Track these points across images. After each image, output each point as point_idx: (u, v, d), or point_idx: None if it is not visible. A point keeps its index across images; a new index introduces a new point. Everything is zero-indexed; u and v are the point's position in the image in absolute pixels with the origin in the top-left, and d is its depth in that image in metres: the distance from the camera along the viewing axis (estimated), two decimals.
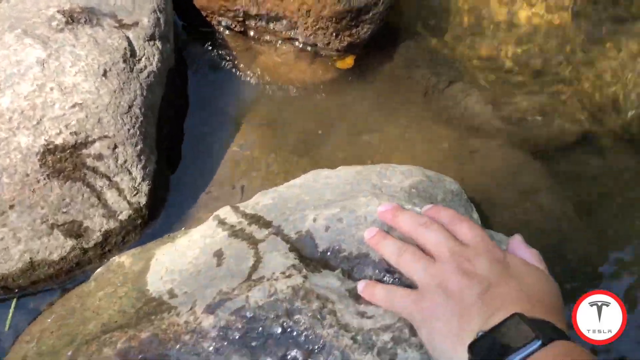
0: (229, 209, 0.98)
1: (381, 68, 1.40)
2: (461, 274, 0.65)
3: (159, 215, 1.13)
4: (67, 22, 1.00)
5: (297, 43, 1.31)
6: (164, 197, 1.15)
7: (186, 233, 1.00)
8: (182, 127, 1.30)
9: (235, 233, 0.91)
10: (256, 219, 0.92)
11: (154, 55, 1.09)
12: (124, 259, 0.98)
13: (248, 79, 1.37)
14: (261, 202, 0.96)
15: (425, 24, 1.49)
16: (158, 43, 1.10)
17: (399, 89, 1.38)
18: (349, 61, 1.35)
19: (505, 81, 1.43)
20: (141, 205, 1.06)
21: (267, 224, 0.90)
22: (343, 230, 0.83)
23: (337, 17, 1.19)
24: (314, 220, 0.86)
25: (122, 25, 1.05)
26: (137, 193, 1.05)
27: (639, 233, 1.26)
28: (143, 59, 1.06)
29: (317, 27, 1.22)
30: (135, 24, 1.07)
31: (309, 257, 0.82)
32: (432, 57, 1.39)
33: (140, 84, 1.04)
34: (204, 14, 1.29)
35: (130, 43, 1.05)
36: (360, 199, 0.87)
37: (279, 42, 1.32)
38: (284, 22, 1.24)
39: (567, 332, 0.59)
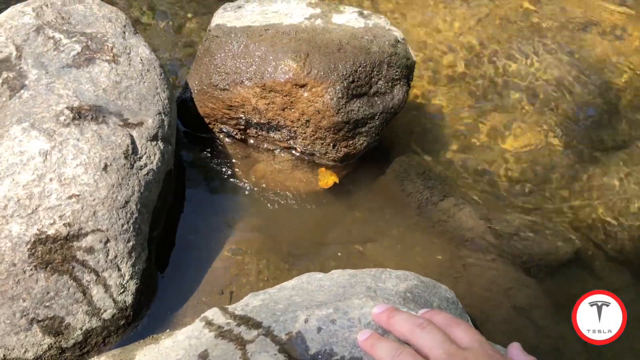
0: (217, 310, 0.95)
1: (375, 180, 1.43)
2: None
3: (143, 317, 1.09)
4: (74, 118, 1.03)
5: (295, 152, 1.35)
6: (150, 298, 1.11)
7: (171, 334, 0.96)
8: (175, 228, 1.29)
9: (223, 334, 0.88)
10: (245, 320, 0.89)
11: (155, 154, 1.11)
12: None
13: (245, 185, 1.39)
14: (251, 303, 0.94)
15: (419, 140, 1.55)
16: (160, 144, 1.13)
17: (392, 201, 1.40)
18: (330, 182, 1.38)
19: (497, 198, 1.46)
20: (127, 304, 1.03)
21: (256, 325, 0.87)
22: (336, 332, 0.80)
23: (335, 128, 1.23)
24: (306, 321, 0.83)
25: (127, 124, 1.09)
26: (123, 291, 1.02)
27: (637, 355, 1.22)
28: (144, 157, 1.08)
29: (315, 137, 1.26)
30: (140, 123, 1.10)
31: (300, 359, 0.79)
32: (424, 172, 1.43)
33: (139, 181, 1.05)
34: (206, 121, 1.33)
35: (133, 141, 1.07)
36: (354, 300, 0.85)
37: (278, 150, 1.36)
38: (284, 131, 1.29)
39: None
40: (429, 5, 2.01)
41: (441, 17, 1.95)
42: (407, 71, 1.32)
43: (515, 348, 0.73)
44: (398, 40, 1.31)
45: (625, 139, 1.66)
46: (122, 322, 1.03)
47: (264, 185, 1.39)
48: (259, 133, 1.33)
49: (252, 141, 1.36)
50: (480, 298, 1.22)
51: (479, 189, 1.47)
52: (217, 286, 1.23)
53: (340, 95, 1.20)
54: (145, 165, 1.08)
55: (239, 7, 1.34)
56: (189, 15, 1.75)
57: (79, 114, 1.04)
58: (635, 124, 1.72)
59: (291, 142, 1.31)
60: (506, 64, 1.85)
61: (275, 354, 0.78)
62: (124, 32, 1.20)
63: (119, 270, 1.01)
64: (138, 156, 1.08)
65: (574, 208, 1.48)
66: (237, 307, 0.94)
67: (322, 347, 0.79)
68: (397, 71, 1.29)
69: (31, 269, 0.93)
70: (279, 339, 0.82)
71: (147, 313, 1.10)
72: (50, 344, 0.96)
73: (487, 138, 1.63)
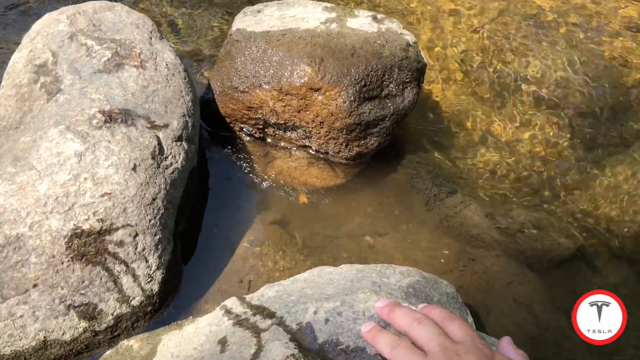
0: (236, 299, 1.04)
1: (386, 177, 1.50)
2: None
3: (169, 304, 1.18)
4: (105, 121, 1.12)
5: (310, 150, 1.42)
6: (175, 287, 1.21)
7: (193, 321, 1.05)
8: (199, 221, 1.38)
9: (240, 322, 0.96)
10: (260, 310, 0.98)
11: (180, 154, 1.19)
12: (132, 343, 1.03)
13: (263, 181, 1.48)
14: (266, 294, 1.02)
15: (429, 139, 1.61)
16: (184, 144, 1.22)
17: (402, 197, 1.47)
18: (302, 200, 1.45)
19: (503, 195, 1.52)
20: (153, 292, 1.12)
21: (270, 315, 0.95)
22: (342, 324, 0.88)
23: (348, 129, 1.30)
24: (315, 312, 0.91)
25: (153, 126, 1.17)
26: (150, 280, 1.12)
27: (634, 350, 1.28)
28: (170, 157, 1.17)
29: (329, 137, 1.33)
30: (166, 125, 1.19)
31: (308, 348, 0.87)
32: (434, 170, 1.49)
33: (165, 179, 1.14)
34: (227, 120, 1.41)
35: (159, 142, 1.16)
36: (360, 294, 0.93)
37: (294, 148, 1.44)
38: (300, 131, 1.36)
39: None
40: (442, 4, 2.06)
41: (453, 16, 1.99)
42: (418, 74, 1.39)
43: (505, 342, 0.79)
44: (409, 44, 1.37)
45: (631, 139, 1.71)
46: (149, 309, 1.13)
47: (281, 181, 1.48)
48: (276, 132, 1.40)
49: (270, 140, 1.44)
50: (483, 291, 1.29)
51: (486, 186, 1.53)
52: (236, 275, 1.32)
53: (352, 98, 1.27)
54: (171, 164, 1.17)
55: (259, 11, 1.41)
56: (214, 16, 1.82)
57: (110, 117, 1.13)
58: None
59: (306, 141, 1.39)
60: (516, 63, 1.90)
61: (286, 343, 0.87)
62: (151, 38, 1.29)
63: (147, 261, 1.10)
64: (164, 156, 1.16)
65: (578, 205, 1.53)
66: (254, 297, 1.03)
67: (329, 337, 0.87)
68: (407, 74, 1.35)
69: (68, 260, 1.02)
70: (290, 328, 0.90)
71: (172, 300, 1.19)
72: (85, 327, 1.06)
73: (495, 136, 1.69)
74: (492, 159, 1.61)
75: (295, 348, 0.86)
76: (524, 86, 1.83)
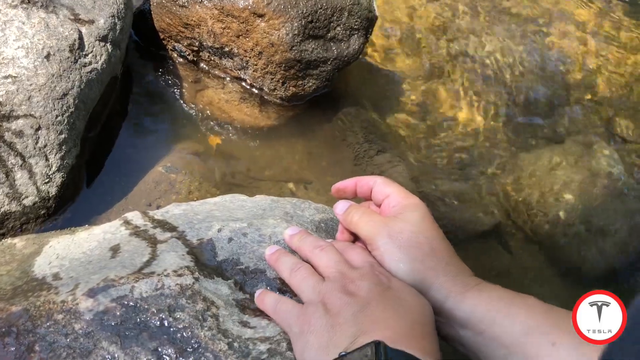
0: (138, 213, 0.97)
1: (319, 126, 1.45)
2: (343, 293, 0.67)
3: (65, 211, 1.09)
4: (22, 1, 1.01)
5: (244, 84, 1.36)
6: (75, 195, 1.12)
7: (88, 229, 0.97)
8: (115, 137, 1.29)
9: (138, 233, 0.90)
10: (162, 224, 0.92)
11: (101, 55, 1.10)
12: (16, 241, 0.95)
13: (190, 108, 1.40)
14: (171, 211, 0.96)
15: (370, 97, 1.58)
16: (109, 46, 1.12)
17: (332, 149, 1.44)
18: (213, 142, 1.38)
19: (432, 164, 1.51)
20: (50, 195, 1.04)
21: (172, 229, 0.89)
22: (245, 244, 0.84)
23: (286, 65, 1.25)
24: (219, 230, 0.86)
25: (77, 19, 1.07)
26: (48, 181, 1.03)
27: None
28: (90, 55, 1.08)
29: (266, 70, 1.27)
30: (91, 21, 1.09)
31: (206, 263, 0.82)
32: (368, 127, 1.46)
33: (81, 77, 1.05)
34: (161, 36, 1.32)
35: (81, 37, 1.06)
36: (269, 220, 0.88)
37: (228, 79, 1.37)
38: (236, 59, 1.30)
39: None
40: None
41: None
42: (367, 23, 1.34)
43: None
44: None
45: (563, 133, 1.74)
46: (42, 212, 1.04)
47: (209, 112, 1.40)
48: (212, 58, 1.33)
49: (203, 65, 1.36)
50: None
51: (417, 152, 1.52)
52: (145, 198, 1.24)
53: (296, 32, 1.21)
54: (90, 63, 1.08)
55: None
56: None
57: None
58: (577, 120, 1.80)
59: (242, 72, 1.32)
60: (469, 42, 1.90)
61: (183, 255, 0.81)
62: None
63: (47, 160, 1.01)
64: (84, 53, 1.07)
65: (502, 186, 1.54)
66: (158, 213, 0.96)
67: (229, 256, 0.83)
68: (357, 21, 1.31)
69: None
70: (190, 242, 0.85)
71: (69, 208, 1.11)
72: None
73: (435, 108, 1.68)
74: (428, 129, 1.60)
75: (191, 261, 0.80)
76: (471, 65, 1.83)
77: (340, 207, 0.80)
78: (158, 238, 0.87)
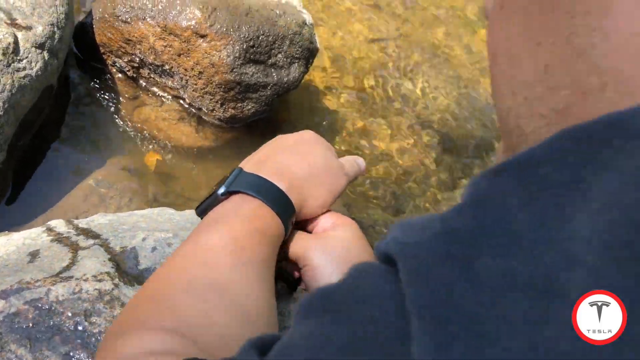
0: (62, 220, 0.95)
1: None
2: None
3: None
4: None
5: (183, 102, 1.37)
6: None
7: (7, 234, 0.94)
8: (46, 148, 1.27)
9: (60, 239, 0.88)
10: (86, 232, 0.90)
11: (37, 62, 1.09)
12: None
13: (126, 124, 1.39)
14: (97, 220, 0.94)
15: (307, 126, 1.62)
16: (45, 54, 1.12)
17: None
18: (152, 160, 1.38)
19: (364, 194, 1.55)
20: None
21: (95, 236, 0.88)
22: (169, 254, 0.83)
23: (226, 86, 1.27)
24: (143, 239, 0.85)
25: (13, 24, 1.06)
26: None
27: None
28: (24, 61, 1.07)
29: (205, 90, 1.29)
30: (29, 27, 1.08)
31: (127, 271, 0.81)
32: None
33: (13, 81, 1.03)
34: (101, 50, 1.32)
35: (16, 42, 1.05)
36: None
37: (167, 97, 1.37)
38: (176, 78, 1.31)
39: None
40: (352, 10, 2.10)
41: (359, 23, 2.05)
42: (308, 54, 1.39)
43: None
44: (305, 23, 1.38)
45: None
46: None
47: (145, 129, 1.40)
48: (151, 75, 1.34)
49: (142, 82, 1.37)
50: None
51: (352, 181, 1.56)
52: (72, 210, 1.21)
53: (237, 55, 1.24)
54: (24, 68, 1.07)
55: None
56: None
57: None
58: None
59: (181, 91, 1.33)
60: (409, 81, 1.98)
61: (104, 261, 0.80)
62: None
63: None
64: (18, 58, 1.06)
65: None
66: (83, 221, 0.94)
67: (152, 264, 0.82)
68: (298, 50, 1.35)
69: None
70: (113, 250, 0.84)
71: None
72: None
73: (371, 142, 1.73)
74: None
75: (112, 268, 0.79)
76: (409, 103, 1.90)
77: None
78: (80, 245, 0.85)
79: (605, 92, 0.28)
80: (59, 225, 0.93)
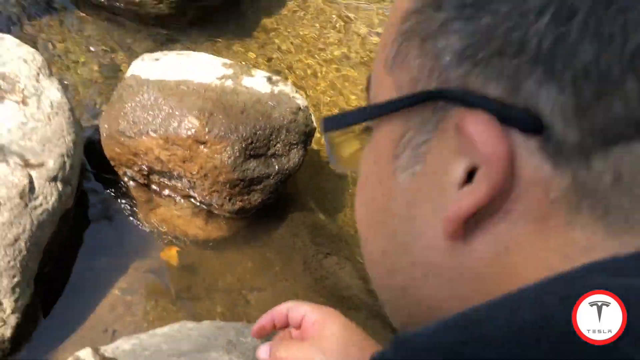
0: (90, 350, 1.01)
1: (269, 234, 1.53)
2: None
3: (21, 349, 1.13)
4: None
5: (194, 200, 1.43)
6: (32, 332, 1.16)
7: None
8: (71, 264, 1.34)
9: None
10: None
11: (52, 195, 1.17)
12: None
13: (144, 227, 1.46)
14: (121, 346, 1.01)
15: (315, 199, 1.67)
16: (59, 184, 1.19)
17: (283, 255, 1.50)
18: (172, 253, 1.44)
19: None
20: (5, 337, 1.07)
21: None
22: None
23: (231, 184, 1.33)
24: None
25: (27, 165, 1.15)
26: (3, 325, 1.07)
27: None
28: (40, 197, 1.14)
29: (212, 189, 1.35)
30: (41, 164, 1.17)
31: None
32: (315, 230, 1.54)
33: (32, 220, 1.11)
34: (112, 163, 1.40)
35: (31, 181, 1.13)
36: (212, 353, 0.94)
37: (178, 197, 1.44)
38: (184, 180, 1.37)
39: None
40: (341, 70, 2.15)
41: (351, 84, 2.10)
42: (305, 137, 1.44)
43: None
44: (300, 108, 1.43)
45: None
46: None
47: (163, 229, 1.47)
48: (161, 180, 1.41)
49: (154, 187, 1.44)
50: None
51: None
52: (102, 324, 1.28)
53: (237, 154, 1.30)
54: (41, 204, 1.14)
55: (157, 59, 1.43)
56: (120, 57, 1.82)
57: None
58: None
59: (191, 191, 1.40)
60: None
61: None
62: (38, 74, 1.27)
63: (1, 304, 1.06)
64: (34, 195, 1.14)
65: None
66: (108, 349, 1.00)
67: None
68: (295, 136, 1.40)
69: None
70: None
71: (26, 346, 1.14)
72: None
73: None
74: None
75: None
76: None
77: (263, 351, 0.85)
78: None
79: (428, 279, 0.33)
80: (87, 356, 0.99)
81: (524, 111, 0.29)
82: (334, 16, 2.23)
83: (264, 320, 0.88)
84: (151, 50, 1.78)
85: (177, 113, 1.30)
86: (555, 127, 0.29)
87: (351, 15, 2.24)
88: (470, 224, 0.32)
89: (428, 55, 0.33)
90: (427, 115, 0.33)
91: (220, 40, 1.99)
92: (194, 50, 1.77)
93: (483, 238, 0.32)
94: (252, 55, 1.99)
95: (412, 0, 0.34)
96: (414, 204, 0.33)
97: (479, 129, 0.30)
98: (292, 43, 2.07)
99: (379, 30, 2.18)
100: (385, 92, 0.37)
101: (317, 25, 2.16)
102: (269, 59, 2.01)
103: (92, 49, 1.82)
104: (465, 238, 0.32)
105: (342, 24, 2.20)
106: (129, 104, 1.33)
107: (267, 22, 2.11)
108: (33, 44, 1.62)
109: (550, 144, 0.29)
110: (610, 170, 0.29)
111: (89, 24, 1.88)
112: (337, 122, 0.40)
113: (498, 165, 0.30)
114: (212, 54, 1.65)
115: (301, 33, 2.10)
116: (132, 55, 1.80)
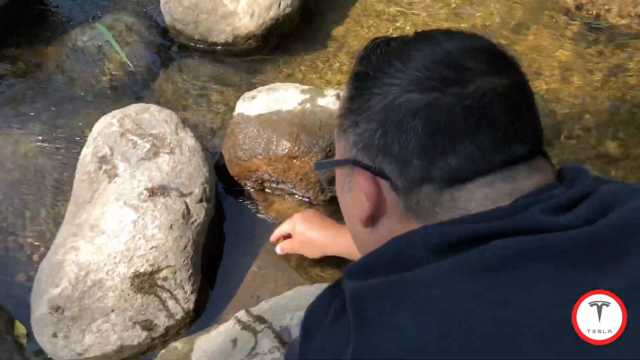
0: (244, 312, 1.56)
1: None
2: None
3: (200, 316, 1.71)
4: (149, 195, 1.65)
5: (297, 196, 1.93)
6: (204, 304, 1.74)
7: (217, 327, 1.57)
8: (220, 255, 1.91)
9: (245, 327, 1.49)
10: (259, 318, 1.50)
11: (201, 212, 1.72)
12: (177, 344, 1.56)
13: (267, 219, 1.99)
14: (263, 307, 1.54)
15: None
16: (204, 204, 1.74)
17: None
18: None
19: None
20: (190, 309, 1.65)
21: (264, 321, 1.47)
22: None
23: (320, 182, 1.81)
24: (290, 319, 1.43)
25: (182, 195, 1.70)
26: (187, 301, 1.64)
27: None
28: (194, 215, 1.70)
29: (308, 187, 1.84)
30: (190, 193, 1.71)
31: (286, 342, 1.39)
32: None
33: (192, 231, 1.67)
34: (236, 178, 1.93)
35: (187, 206, 1.69)
36: None
37: (286, 195, 1.95)
38: (288, 184, 1.87)
39: None
40: None
41: None
42: None
43: None
44: None
45: (558, 162, 2.14)
46: (187, 320, 1.66)
47: (279, 218, 1.98)
48: (272, 185, 1.92)
49: (268, 190, 1.95)
50: None
51: None
52: (248, 292, 1.83)
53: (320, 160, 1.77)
54: (195, 220, 1.70)
55: (253, 97, 1.92)
56: (221, 101, 2.35)
57: (152, 192, 1.66)
58: (571, 148, 2.19)
59: (293, 190, 1.90)
60: None
61: (273, 339, 1.39)
62: (177, 130, 1.81)
63: (184, 289, 1.63)
64: (190, 215, 1.69)
65: None
66: (255, 309, 1.54)
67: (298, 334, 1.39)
68: None
69: (133, 293, 1.56)
70: (275, 330, 1.42)
71: (202, 313, 1.72)
72: (146, 335, 1.60)
73: None
74: None
75: (278, 342, 1.37)
76: None
77: (278, 248, 1.45)
78: (257, 329, 1.45)
79: (369, 243, 0.76)
80: (242, 316, 1.54)
81: (379, 171, 0.73)
82: (407, 28, 2.58)
83: (274, 235, 1.42)
84: (246, 79, 2.29)
85: (273, 139, 1.79)
86: (393, 178, 0.72)
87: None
88: (375, 220, 0.76)
89: (345, 140, 0.78)
90: (349, 169, 0.78)
91: (297, 59, 2.43)
92: (279, 74, 2.26)
93: (380, 226, 0.75)
94: (325, 72, 2.42)
95: (339, 107, 0.82)
96: (352, 210, 0.78)
97: (362, 179, 0.74)
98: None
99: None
100: (339, 151, 0.83)
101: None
102: (340, 72, 2.43)
103: (206, 86, 2.37)
104: (373, 226, 0.77)
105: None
106: (240, 136, 1.84)
107: (338, 35, 2.53)
108: (166, 103, 2.18)
109: (393, 185, 0.73)
110: (416, 198, 0.72)
111: (201, 68, 2.42)
112: (321, 165, 0.97)
113: (372, 196, 0.74)
114: (293, 73, 2.12)
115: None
116: (232, 84, 2.32)
